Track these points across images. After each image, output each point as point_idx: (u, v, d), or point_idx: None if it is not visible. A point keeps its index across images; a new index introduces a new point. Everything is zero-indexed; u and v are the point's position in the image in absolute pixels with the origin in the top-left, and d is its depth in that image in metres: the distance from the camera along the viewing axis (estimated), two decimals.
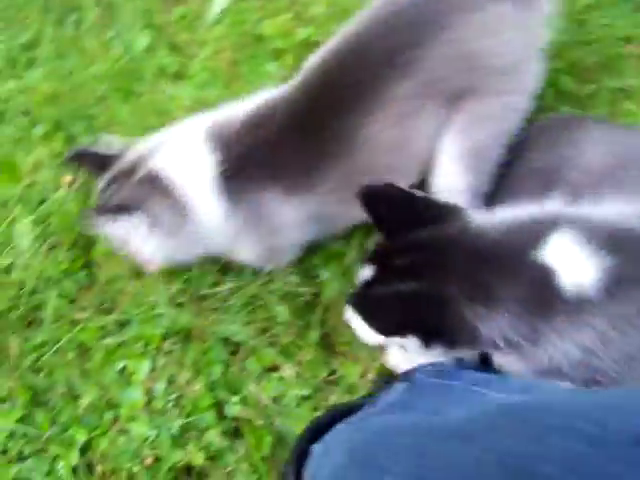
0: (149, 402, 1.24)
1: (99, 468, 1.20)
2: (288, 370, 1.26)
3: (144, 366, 1.27)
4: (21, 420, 1.24)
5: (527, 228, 0.93)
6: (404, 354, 1.22)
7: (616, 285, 0.86)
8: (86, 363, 1.28)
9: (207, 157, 1.14)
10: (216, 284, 1.32)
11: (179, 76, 1.58)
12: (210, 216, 1.16)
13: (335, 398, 1.24)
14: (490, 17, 1.12)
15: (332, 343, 1.28)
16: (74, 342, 1.30)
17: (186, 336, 1.29)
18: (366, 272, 1.01)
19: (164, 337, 1.28)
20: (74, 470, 1.20)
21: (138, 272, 1.34)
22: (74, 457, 1.20)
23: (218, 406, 1.23)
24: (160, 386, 1.24)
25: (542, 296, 0.88)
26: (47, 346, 1.29)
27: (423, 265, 0.95)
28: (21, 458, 1.22)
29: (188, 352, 1.26)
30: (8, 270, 1.35)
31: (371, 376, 1.25)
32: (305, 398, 1.24)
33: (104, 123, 1.48)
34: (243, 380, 1.25)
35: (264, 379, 1.25)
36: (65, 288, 1.34)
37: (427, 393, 1.04)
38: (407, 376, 1.09)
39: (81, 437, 1.21)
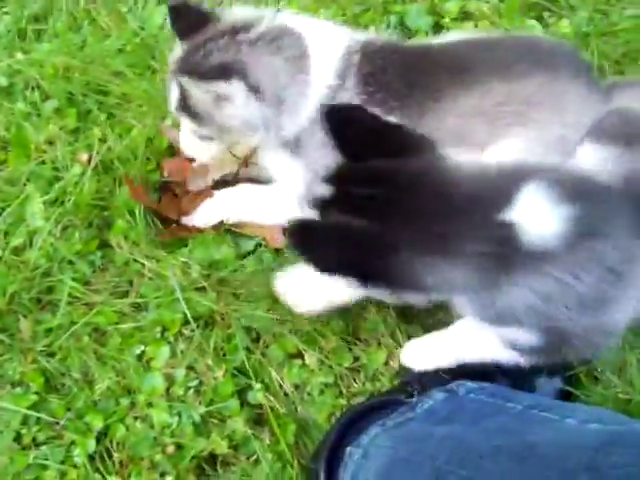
0: (168, 389, 1.21)
1: (117, 455, 1.17)
2: (311, 358, 1.24)
3: (163, 352, 1.23)
4: (34, 406, 1.19)
5: (497, 183, 0.88)
6: (420, 352, 1.22)
7: (573, 235, 0.86)
8: (102, 348, 1.24)
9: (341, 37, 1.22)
10: (236, 270, 1.29)
11: None
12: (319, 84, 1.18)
13: (358, 386, 1.24)
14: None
15: (355, 330, 1.27)
16: (89, 326, 1.25)
17: (207, 322, 1.26)
18: (320, 192, 0.93)
19: (184, 322, 1.25)
20: (91, 457, 1.16)
21: (156, 254, 1.31)
22: (91, 444, 1.16)
23: (240, 393, 1.21)
24: (180, 372, 1.21)
25: (506, 252, 0.85)
26: (61, 330, 1.25)
27: (380, 201, 0.87)
28: (36, 445, 1.17)
29: (209, 338, 1.24)
30: (20, 250, 1.29)
31: (394, 364, 1.25)
32: (328, 386, 1.23)
33: (118, 99, 1.43)
34: (265, 367, 1.23)
35: (286, 366, 1.23)
36: (80, 270, 1.29)
37: (471, 409, 1.02)
38: (447, 386, 1.09)
39: (97, 423, 1.17)
